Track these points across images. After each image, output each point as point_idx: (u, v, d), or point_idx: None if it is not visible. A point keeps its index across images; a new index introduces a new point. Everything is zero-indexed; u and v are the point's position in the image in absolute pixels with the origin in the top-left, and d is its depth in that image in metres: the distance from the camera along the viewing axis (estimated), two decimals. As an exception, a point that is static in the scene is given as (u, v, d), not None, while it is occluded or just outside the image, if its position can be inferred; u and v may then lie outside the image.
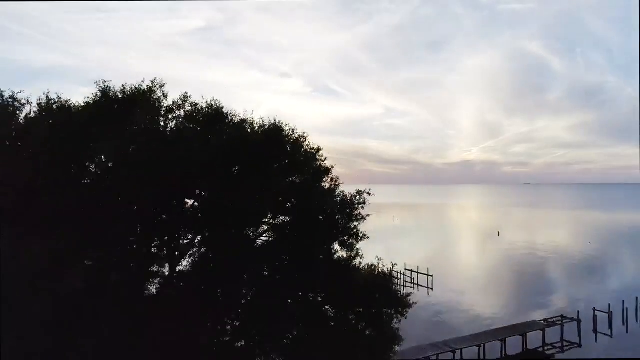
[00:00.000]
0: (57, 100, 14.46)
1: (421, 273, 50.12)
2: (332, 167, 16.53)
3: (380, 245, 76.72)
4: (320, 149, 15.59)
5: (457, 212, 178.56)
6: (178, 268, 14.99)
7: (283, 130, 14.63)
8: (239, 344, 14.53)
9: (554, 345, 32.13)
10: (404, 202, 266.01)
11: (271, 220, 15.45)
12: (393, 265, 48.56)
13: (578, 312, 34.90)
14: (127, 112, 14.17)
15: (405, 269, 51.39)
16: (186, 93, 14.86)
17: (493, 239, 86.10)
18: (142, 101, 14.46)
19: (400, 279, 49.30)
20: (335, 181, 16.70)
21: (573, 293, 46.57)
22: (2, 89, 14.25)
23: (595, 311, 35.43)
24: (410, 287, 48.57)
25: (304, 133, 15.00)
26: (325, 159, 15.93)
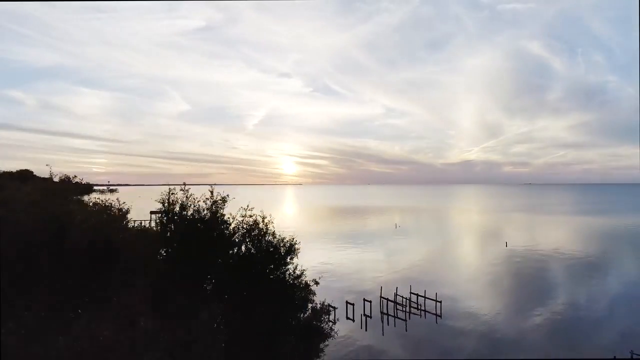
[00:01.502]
0: None
1: (428, 298, 45.34)
2: (333, 328, 11.30)
3: (384, 259, 72.26)
4: (310, 286, 10.50)
5: (460, 217, 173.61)
6: None
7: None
8: None
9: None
10: (405, 205, 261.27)
11: None
12: (397, 290, 42.72)
13: (631, 352, 30.14)
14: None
15: (411, 293, 46.63)
16: None
17: (502, 251, 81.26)
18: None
19: (406, 305, 44.56)
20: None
21: (609, 318, 41.85)
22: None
23: None
24: (417, 314, 43.82)
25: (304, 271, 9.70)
26: (328, 304, 10.77)
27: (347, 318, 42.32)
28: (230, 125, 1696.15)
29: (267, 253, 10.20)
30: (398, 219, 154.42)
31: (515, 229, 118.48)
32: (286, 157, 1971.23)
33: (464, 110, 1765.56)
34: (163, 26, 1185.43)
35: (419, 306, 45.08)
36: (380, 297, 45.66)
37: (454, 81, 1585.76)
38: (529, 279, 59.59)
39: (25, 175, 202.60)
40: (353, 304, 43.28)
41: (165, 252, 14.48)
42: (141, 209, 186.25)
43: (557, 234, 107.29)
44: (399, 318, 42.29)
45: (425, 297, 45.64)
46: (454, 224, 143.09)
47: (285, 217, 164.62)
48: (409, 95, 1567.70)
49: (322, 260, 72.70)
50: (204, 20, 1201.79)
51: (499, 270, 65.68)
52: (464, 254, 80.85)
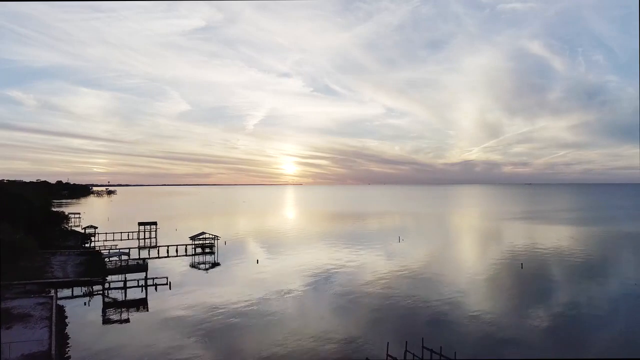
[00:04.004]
0: None
1: (445, 357, 37.17)
2: None
3: (389, 289, 59.71)
4: None
5: (467, 226, 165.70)
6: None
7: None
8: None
9: None
10: (407, 210, 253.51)
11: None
12: (407, 345, 33.33)
13: None
14: None
15: (424, 348, 38.55)
16: None
17: (519, 275, 73.22)
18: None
19: (418, 367, 36.43)
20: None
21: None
22: None
23: None
24: (432, 377, 35.80)
25: None
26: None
27: (347, 383, 34.51)
28: (230, 125, 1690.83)
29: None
30: (401, 229, 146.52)
31: (529, 244, 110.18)
32: (286, 157, 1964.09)
33: (464, 110, 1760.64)
34: (162, 26, 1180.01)
35: (434, 366, 37.01)
36: (387, 354, 37.66)
37: (454, 81, 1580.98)
38: (556, 316, 51.39)
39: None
40: (354, 367, 35.36)
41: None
42: (122, 214, 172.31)
43: (577, 248, 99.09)
44: (410, 383, 34.33)
45: (440, 354, 37.58)
46: (460, 235, 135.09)
47: (277, 224, 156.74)
48: (409, 95, 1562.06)
49: (317, 281, 64.63)
50: (204, 20, 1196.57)
51: (523, 306, 57.54)
52: (477, 277, 72.89)
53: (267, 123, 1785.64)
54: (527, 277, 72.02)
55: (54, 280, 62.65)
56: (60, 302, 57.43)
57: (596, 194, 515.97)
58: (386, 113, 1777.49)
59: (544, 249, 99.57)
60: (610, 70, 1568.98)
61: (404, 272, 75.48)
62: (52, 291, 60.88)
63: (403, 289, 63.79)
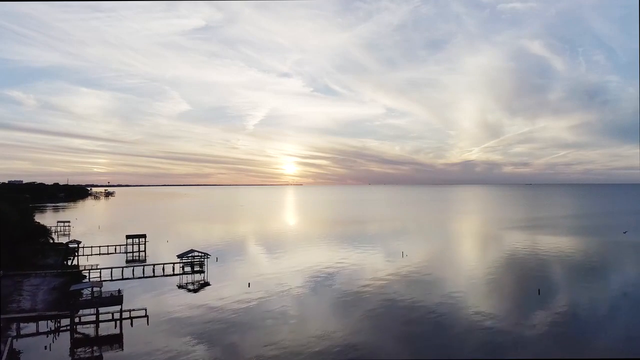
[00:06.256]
0: None
1: None
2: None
3: (394, 326, 53.15)
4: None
5: (471, 234, 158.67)
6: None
7: None
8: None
9: None
10: (409, 214, 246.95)
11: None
12: None
13: None
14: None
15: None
16: None
17: (537, 303, 66.18)
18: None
19: None
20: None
21: None
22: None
23: None
24: None
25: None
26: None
27: None
28: (230, 125, 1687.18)
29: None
30: (403, 237, 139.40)
31: (533, 252, 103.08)
32: (287, 157, 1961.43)
33: (464, 110, 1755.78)
34: (162, 26, 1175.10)
35: None
36: None
37: (455, 81, 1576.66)
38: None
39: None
40: None
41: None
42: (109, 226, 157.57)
43: (582, 256, 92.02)
44: None
45: None
46: (464, 243, 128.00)
47: (274, 236, 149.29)
48: (409, 95, 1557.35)
49: (313, 310, 57.43)
50: (204, 20, 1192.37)
51: (523, 310, 50.90)
52: (479, 281, 66.29)
53: (267, 123, 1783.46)
54: (530, 284, 65.23)
55: (14, 316, 55.69)
56: (21, 342, 50.80)
57: (599, 196, 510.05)
58: (386, 113, 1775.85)
59: (552, 257, 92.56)
60: (611, 70, 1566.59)
61: (411, 285, 68.47)
62: (14, 327, 54.09)
63: (411, 302, 56.74)
